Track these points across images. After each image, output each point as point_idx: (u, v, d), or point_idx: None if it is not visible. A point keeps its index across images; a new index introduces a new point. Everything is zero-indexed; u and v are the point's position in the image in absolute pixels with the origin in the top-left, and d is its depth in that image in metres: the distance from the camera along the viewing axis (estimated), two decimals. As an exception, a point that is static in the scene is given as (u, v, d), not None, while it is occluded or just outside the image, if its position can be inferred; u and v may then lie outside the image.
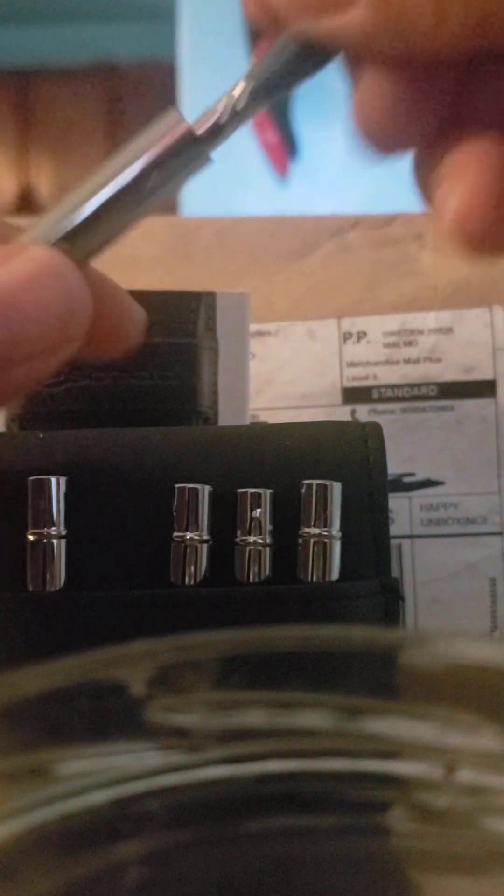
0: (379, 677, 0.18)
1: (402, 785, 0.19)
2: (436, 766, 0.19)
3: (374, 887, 0.19)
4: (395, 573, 0.41)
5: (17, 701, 0.18)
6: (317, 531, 0.28)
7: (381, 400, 0.42)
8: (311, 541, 0.29)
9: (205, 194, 1.14)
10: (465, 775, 0.19)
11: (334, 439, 0.30)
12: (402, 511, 0.41)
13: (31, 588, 0.28)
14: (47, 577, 0.28)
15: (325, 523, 0.29)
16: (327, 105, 1.23)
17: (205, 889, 0.19)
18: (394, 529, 0.41)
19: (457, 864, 0.19)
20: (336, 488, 0.29)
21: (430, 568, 0.41)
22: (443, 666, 0.18)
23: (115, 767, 0.19)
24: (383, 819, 0.19)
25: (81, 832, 0.18)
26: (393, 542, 0.41)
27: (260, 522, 0.29)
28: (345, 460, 0.30)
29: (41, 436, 0.30)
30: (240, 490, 0.29)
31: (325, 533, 0.29)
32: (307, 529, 0.29)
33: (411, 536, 0.41)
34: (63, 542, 0.28)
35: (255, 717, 0.19)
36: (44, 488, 0.28)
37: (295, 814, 0.19)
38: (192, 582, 0.28)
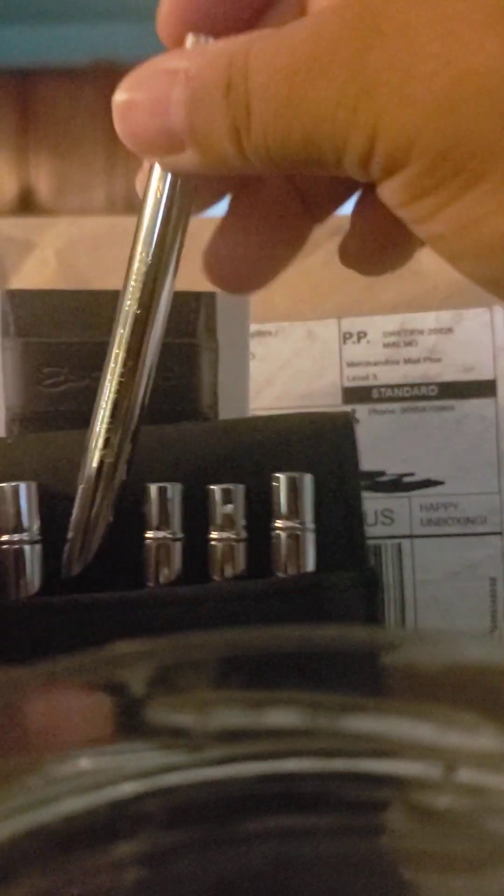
0: (378, 677, 0.18)
1: (402, 785, 0.19)
2: (435, 766, 0.19)
3: (373, 887, 0.19)
4: (395, 573, 0.41)
5: (17, 701, 0.18)
6: (289, 524, 0.28)
7: (381, 400, 0.42)
8: (284, 534, 0.28)
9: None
10: (465, 775, 0.19)
11: (303, 431, 0.30)
12: (402, 511, 0.41)
13: (5, 596, 0.28)
14: (20, 584, 0.28)
15: (297, 515, 0.28)
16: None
17: (203, 889, 0.19)
18: (394, 529, 0.41)
19: (456, 864, 0.19)
20: (307, 480, 0.29)
21: (430, 568, 0.41)
22: (442, 666, 0.18)
23: (114, 767, 0.19)
24: (382, 819, 0.19)
25: (80, 832, 0.18)
26: (393, 542, 0.41)
27: (232, 518, 0.28)
28: (315, 451, 0.30)
29: (9, 441, 0.30)
30: (210, 486, 0.29)
31: (298, 525, 0.28)
32: (279, 522, 0.28)
33: (411, 536, 0.41)
34: (37, 547, 0.28)
35: (253, 718, 0.19)
36: (13, 495, 0.28)
37: (293, 814, 0.19)
38: (167, 581, 0.28)
